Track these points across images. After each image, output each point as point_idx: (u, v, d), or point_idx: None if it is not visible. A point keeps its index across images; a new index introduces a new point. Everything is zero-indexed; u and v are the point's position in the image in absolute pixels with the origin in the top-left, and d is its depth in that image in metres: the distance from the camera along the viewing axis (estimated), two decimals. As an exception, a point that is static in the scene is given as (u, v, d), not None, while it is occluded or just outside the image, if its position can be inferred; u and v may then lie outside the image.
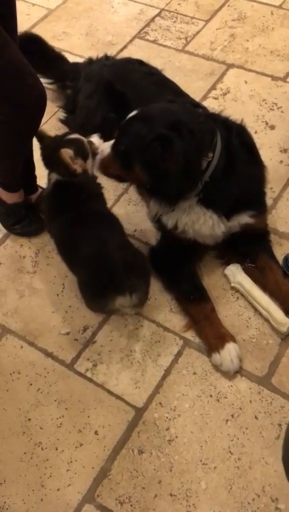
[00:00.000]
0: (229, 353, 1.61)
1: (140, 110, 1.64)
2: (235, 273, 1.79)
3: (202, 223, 1.71)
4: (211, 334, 1.67)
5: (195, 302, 1.74)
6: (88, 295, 1.70)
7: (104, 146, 1.71)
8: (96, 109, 2.07)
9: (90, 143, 1.72)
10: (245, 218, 1.74)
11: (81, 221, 1.66)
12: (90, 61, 2.29)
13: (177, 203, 1.64)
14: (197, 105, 1.95)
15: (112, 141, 1.70)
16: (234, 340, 1.65)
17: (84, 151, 1.68)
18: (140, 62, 2.18)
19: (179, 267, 1.80)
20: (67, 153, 1.61)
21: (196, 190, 1.61)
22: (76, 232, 1.65)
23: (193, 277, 1.80)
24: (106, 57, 2.29)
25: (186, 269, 1.80)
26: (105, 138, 1.76)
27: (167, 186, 1.58)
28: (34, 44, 2.33)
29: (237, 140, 1.68)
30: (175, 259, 1.81)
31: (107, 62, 2.23)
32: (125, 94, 1.99)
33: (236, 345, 1.64)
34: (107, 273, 1.56)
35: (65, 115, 2.34)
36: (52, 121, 2.37)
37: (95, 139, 1.74)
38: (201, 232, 1.73)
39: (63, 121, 2.34)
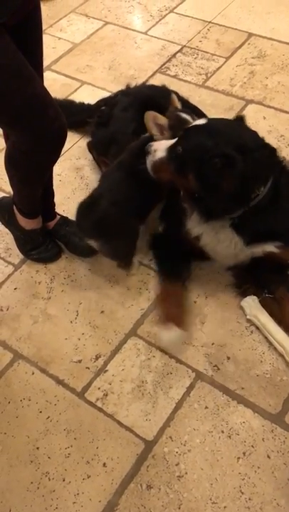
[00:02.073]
0: (169, 337, 1.72)
1: (208, 121, 1.66)
2: (252, 305, 1.78)
3: (226, 246, 1.74)
4: (167, 312, 1.76)
5: (172, 279, 1.84)
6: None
7: (159, 147, 1.71)
8: (130, 121, 2.12)
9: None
10: (270, 247, 1.75)
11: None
12: (128, 86, 2.40)
13: (215, 220, 1.67)
14: None
15: (167, 143, 1.70)
16: (182, 327, 1.72)
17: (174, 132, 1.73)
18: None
19: (177, 258, 1.89)
20: (150, 115, 1.69)
21: (235, 214, 1.64)
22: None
23: (185, 267, 1.91)
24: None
25: (183, 261, 1.90)
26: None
27: (214, 202, 1.60)
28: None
29: (285, 177, 1.71)
30: (177, 255, 1.89)
31: (146, 85, 2.34)
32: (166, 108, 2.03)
33: (179, 333, 1.71)
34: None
35: (93, 130, 2.37)
36: (72, 150, 2.43)
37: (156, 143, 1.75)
38: (222, 252, 1.77)
39: (89, 143, 2.38)
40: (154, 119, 1.75)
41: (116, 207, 1.81)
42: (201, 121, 1.67)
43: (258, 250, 1.75)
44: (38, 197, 1.88)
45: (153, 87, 2.32)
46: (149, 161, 1.72)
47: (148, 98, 2.15)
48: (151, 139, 1.82)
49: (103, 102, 2.35)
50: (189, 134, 1.65)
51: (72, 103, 2.49)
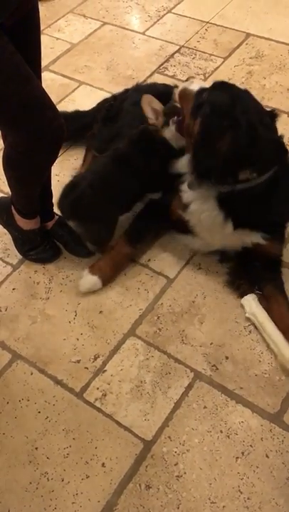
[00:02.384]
0: (86, 281, 1.90)
1: (239, 88, 1.68)
2: (252, 304, 1.79)
3: (207, 216, 1.76)
4: (102, 265, 1.93)
5: (131, 242, 1.96)
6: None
7: (197, 83, 1.76)
8: (140, 116, 2.09)
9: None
10: (258, 238, 1.77)
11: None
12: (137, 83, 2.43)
13: (199, 181, 1.68)
14: None
15: (203, 84, 1.75)
16: (103, 282, 1.90)
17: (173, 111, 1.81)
18: None
19: (146, 225, 2.00)
20: (147, 98, 1.78)
21: (222, 187, 1.66)
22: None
23: (145, 232, 2.01)
24: None
25: (150, 230, 2.02)
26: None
27: (203, 157, 1.63)
28: None
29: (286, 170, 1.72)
30: (150, 222, 2.00)
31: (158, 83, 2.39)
32: None
33: (96, 283, 1.90)
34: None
35: (98, 127, 2.34)
36: (70, 151, 2.43)
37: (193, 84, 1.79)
38: (204, 225, 1.80)
39: (90, 137, 2.37)
40: (150, 102, 1.81)
41: (92, 189, 1.84)
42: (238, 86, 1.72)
43: (246, 239, 1.77)
44: (36, 197, 1.88)
45: (165, 84, 2.32)
46: (183, 86, 1.77)
47: (160, 94, 2.15)
48: (149, 129, 1.88)
49: (107, 100, 2.36)
50: (219, 87, 1.68)
51: (69, 113, 2.43)
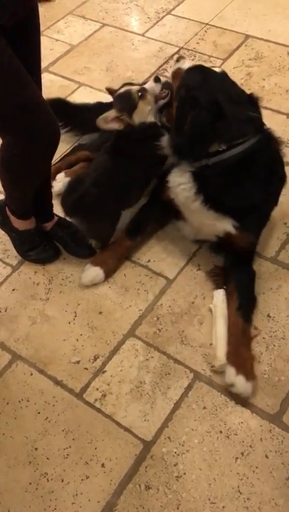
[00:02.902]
0: (89, 272, 1.93)
1: (213, 71, 1.80)
2: (218, 297, 1.81)
3: (182, 189, 1.82)
4: (103, 257, 1.96)
5: (131, 236, 1.99)
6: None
7: (189, 62, 1.88)
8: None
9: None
10: (228, 226, 1.79)
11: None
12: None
13: (177, 158, 1.79)
14: None
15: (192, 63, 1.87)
16: (104, 269, 1.93)
17: (130, 104, 1.87)
18: None
19: (146, 219, 2.04)
20: (100, 121, 1.82)
21: (194, 162, 1.75)
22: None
23: (144, 224, 2.04)
24: None
25: (151, 218, 2.05)
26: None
27: (176, 136, 1.76)
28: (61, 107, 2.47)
29: (268, 156, 1.78)
30: (149, 214, 2.05)
31: None
32: None
33: (98, 274, 1.92)
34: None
35: None
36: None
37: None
38: (179, 199, 1.86)
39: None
40: (104, 123, 1.88)
41: (96, 187, 1.86)
42: (210, 67, 1.84)
43: (218, 226, 1.81)
44: (30, 199, 1.88)
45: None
46: (176, 66, 1.88)
47: None
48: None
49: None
50: (192, 71, 1.80)
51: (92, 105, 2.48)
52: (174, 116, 1.78)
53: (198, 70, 1.81)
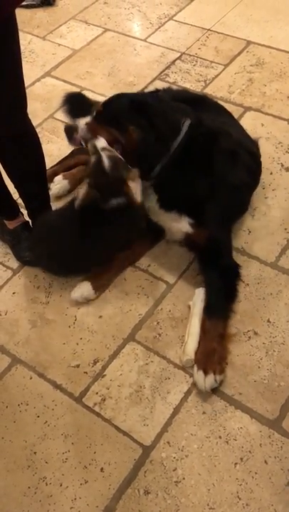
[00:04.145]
0: (78, 291, 1.88)
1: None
2: (198, 295, 1.82)
3: (148, 201, 1.86)
4: (96, 273, 1.93)
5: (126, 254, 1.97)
6: None
7: (83, 120, 1.85)
8: None
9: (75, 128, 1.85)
10: (185, 225, 1.80)
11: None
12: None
13: (145, 173, 1.78)
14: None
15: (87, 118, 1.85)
16: (91, 283, 1.88)
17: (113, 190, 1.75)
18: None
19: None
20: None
21: (153, 173, 1.77)
22: None
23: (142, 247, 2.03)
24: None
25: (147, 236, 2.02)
26: None
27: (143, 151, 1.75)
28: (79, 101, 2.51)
29: (202, 141, 1.78)
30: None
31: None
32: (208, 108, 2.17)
33: (88, 292, 1.88)
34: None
35: None
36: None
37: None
38: (149, 207, 1.88)
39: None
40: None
41: (65, 250, 1.86)
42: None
43: (178, 227, 1.83)
44: None
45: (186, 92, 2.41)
46: (80, 131, 1.84)
47: (190, 99, 2.19)
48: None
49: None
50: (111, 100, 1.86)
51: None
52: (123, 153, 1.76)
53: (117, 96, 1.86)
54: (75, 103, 2.41)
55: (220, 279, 1.82)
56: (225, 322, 1.76)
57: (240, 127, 2.23)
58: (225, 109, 2.29)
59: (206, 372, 1.63)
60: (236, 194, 1.92)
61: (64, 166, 2.33)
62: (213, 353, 1.66)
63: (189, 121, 1.74)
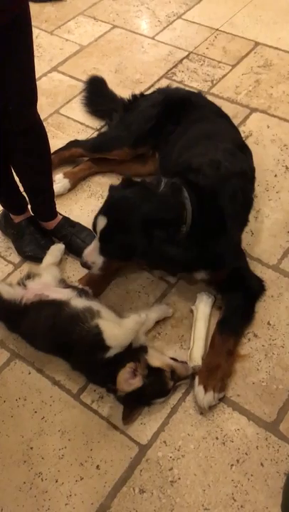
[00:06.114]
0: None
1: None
2: (202, 300, 1.81)
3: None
4: (91, 276, 1.86)
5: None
6: None
7: (91, 255, 1.70)
8: (151, 118, 2.17)
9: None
10: (202, 275, 1.80)
11: None
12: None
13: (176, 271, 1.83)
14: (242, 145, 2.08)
15: (93, 247, 1.69)
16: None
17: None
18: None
19: None
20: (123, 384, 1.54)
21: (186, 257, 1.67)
22: None
23: None
24: None
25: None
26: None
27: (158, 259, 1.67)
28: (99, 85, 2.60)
29: (224, 202, 1.72)
30: None
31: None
32: (197, 110, 2.14)
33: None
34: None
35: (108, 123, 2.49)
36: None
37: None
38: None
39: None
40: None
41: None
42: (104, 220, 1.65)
43: (197, 277, 1.81)
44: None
45: (189, 92, 2.37)
46: (94, 271, 1.73)
47: (178, 100, 2.19)
48: None
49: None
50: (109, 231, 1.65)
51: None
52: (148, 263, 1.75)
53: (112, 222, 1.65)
54: (95, 90, 2.50)
55: (240, 298, 1.81)
56: (236, 339, 1.73)
57: (232, 129, 2.19)
58: (217, 108, 2.25)
59: (206, 389, 1.59)
60: (242, 224, 1.93)
61: (58, 156, 2.32)
62: (217, 369, 1.64)
63: (191, 208, 1.64)
